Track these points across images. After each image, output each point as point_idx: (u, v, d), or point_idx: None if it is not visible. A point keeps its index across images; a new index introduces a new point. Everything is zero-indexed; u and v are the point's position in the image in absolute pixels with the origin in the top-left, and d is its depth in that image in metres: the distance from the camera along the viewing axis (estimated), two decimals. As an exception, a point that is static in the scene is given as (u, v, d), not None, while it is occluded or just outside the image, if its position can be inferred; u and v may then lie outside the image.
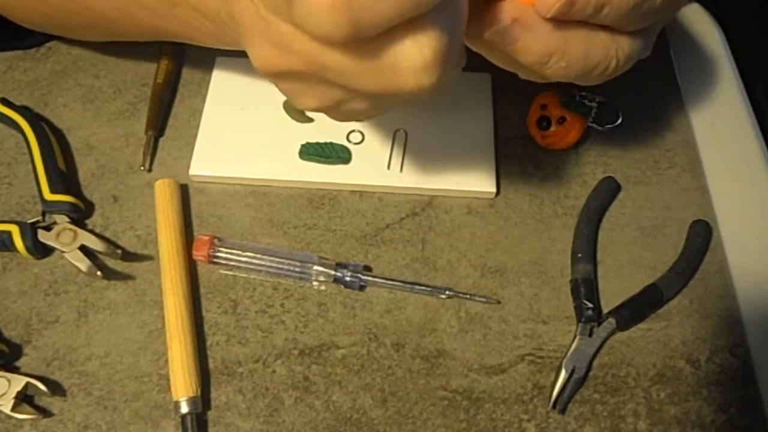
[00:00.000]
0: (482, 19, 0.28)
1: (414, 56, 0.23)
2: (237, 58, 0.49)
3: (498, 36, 0.28)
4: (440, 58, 0.24)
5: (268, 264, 0.43)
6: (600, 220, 0.47)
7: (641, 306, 0.44)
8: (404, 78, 0.24)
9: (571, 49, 0.28)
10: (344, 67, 0.24)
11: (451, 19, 0.24)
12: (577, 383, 0.41)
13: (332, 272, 0.43)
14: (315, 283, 0.43)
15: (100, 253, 0.43)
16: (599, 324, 0.43)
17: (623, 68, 0.30)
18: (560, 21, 0.28)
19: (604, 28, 0.29)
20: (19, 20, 0.46)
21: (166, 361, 0.40)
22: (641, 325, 0.44)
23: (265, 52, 0.26)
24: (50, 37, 0.53)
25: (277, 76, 0.27)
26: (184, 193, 0.47)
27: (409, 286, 0.44)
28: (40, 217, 0.44)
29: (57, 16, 0.43)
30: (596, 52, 0.29)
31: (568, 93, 0.49)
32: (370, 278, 0.43)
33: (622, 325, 0.43)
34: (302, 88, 0.27)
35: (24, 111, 0.48)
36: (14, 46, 0.52)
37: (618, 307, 0.43)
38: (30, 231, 0.43)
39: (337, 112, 0.29)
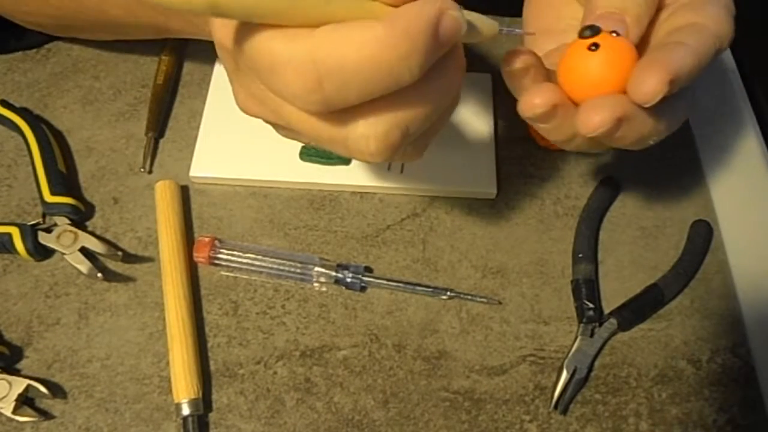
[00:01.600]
0: (580, 120, 0.29)
1: (361, 143, 0.25)
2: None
3: (601, 135, 0.29)
4: (387, 150, 0.26)
5: (269, 265, 0.43)
6: (601, 221, 0.47)
7: (642, 306, 0.44)
8: (353, 153, 0.26)
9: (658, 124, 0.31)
10: (305, 130, 0.26)
11: (415, 116, 0.26)
12: (578, 384, 0.41)
13: (333, 273, 0.43)
14: (316, 284, 0.43)
15: (100, 255, 0.43)
16: (600, 324, 0.43)
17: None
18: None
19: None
20: (23, 22, 0.46)
21: (167, 363, 0.40)
22: (642, 326, 0.44)
23: (242, 97, 0.28)
24: (49, 38, 0.52)
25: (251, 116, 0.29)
26: (184, 194, 0.47)
27: (410, 287, 0.44)
28: (40, 219, 0.44)
29: (62, 18, 0.43)
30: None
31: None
32: (371, 279, 0.43)
33: (624, 326, 0.43)
34: (273, 126, 0.30)
35: (24, 113, 0.48)
36: (12, 46, 0.52)
37: (619, 308, 0.43)
38: (30, 233, 0.42)
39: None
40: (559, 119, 0.30)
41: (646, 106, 0.28)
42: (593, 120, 0.28)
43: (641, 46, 0.31)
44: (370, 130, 0.25)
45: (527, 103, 0.30)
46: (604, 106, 0.28)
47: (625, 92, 0.29)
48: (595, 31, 0.29)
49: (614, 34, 0.29)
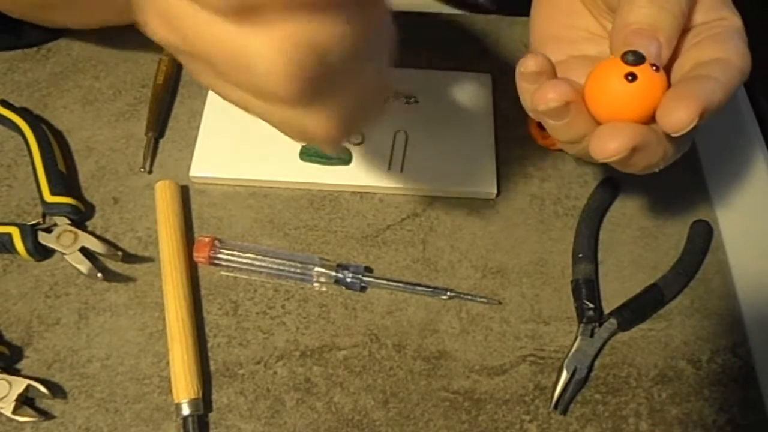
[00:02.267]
0: (595, 144, 0.29)
1: (266, 61, 0.22)
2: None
3: (613, 162, 0.29)
4: (298, 72, 0.23)
5: (269, 265, 0.43)
6: (601, 221, 0.47)
7: (642, 306, 0.44)
8: (260, 78, 0.23)
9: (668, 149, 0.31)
10: (208, 46, 0.23)
11: (328, 34, 0.23)
12: (578, 384, 0.41)
13: (333, 273, 0.43)
14: (316, 284, 0.43)
15: (100, 255, 0.43)
16: (600, 324, 0.43)
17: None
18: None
19: None
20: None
21: (167, 363, 0.40)
22: (642, 326, 0.44)
23: (152, 22, 0.25)
24: (49, 37, 0.52)
25: (163, 45, 0.26)
26: (184, 194, 0.47)
27: (410, 287, 0.44)
28: (40, 219, 0.44)
29: None
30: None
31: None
32: (371, 279, 0.43)
33: (624, 326, 0.43)
34: (184, 60, 0.27)
35: (24, 113, 0.48)
36: (12, 44, 0.52)
37: (619, 308, 0.43)
38: (30, 233, 0.42)
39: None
40: (571, 117, 0.30)
41: (675, 135, 0.28)
42: (609, 146, 0.28)
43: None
44: (274, 45, 0.22)
45: (542, 96, 0.30)
46: (621, 134, 0.28)
47: (645, 123, 0.29)
48: (638, 58, 0.29)
49: (654, 68, 0.29)
